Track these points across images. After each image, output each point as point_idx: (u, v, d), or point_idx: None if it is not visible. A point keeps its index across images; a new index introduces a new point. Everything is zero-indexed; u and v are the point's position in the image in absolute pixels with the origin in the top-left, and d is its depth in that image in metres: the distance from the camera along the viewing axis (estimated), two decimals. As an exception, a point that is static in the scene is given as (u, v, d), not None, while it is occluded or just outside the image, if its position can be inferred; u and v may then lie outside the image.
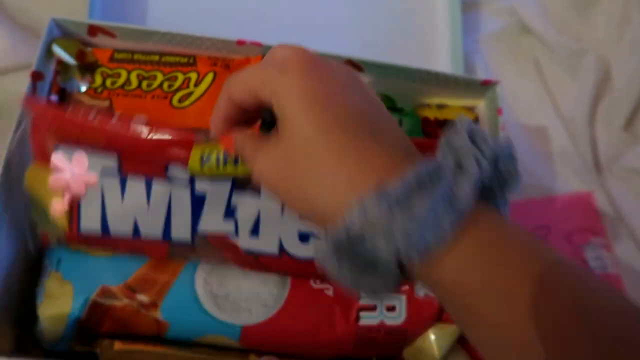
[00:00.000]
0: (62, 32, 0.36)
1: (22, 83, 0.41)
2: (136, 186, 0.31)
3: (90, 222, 0.31)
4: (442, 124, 0.39)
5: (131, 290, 0.33)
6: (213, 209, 0.31)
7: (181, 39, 0.36)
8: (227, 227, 0.31)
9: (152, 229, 0.31)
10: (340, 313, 0.33)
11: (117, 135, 0.30)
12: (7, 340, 0.34)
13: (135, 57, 0.37)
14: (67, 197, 0.31)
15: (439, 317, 0.34)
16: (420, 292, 0.34)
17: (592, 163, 0.47)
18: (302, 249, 0.31)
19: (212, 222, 0.31)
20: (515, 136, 0.47)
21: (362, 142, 0.21)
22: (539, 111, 0.48)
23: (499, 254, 0.19)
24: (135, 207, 0.31)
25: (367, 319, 0.33)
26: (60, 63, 0.36)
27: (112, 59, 0.37)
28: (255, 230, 0.31)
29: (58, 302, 0.33)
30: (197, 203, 0.31)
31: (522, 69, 0.49)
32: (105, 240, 0.31)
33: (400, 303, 0.33)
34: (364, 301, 0.33)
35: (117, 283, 0.32)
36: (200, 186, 0.31)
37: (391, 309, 0.33)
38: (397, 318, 0.33)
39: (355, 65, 0.37)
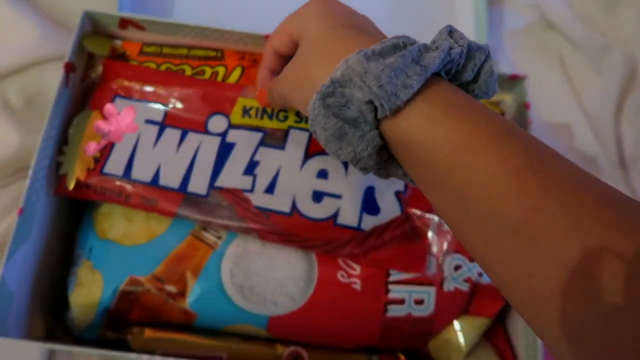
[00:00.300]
0: (93, 25, 0.37)
1: (52, 74, 0.42)
2: (171, 135, 0.33)
3: (115, 165, 0.33)
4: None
5: (159, 280, 0.33)
6: (236, 162, 0.33)
7: (209, 32, 0.36)
8: (244, 183, 0.33)
9: (171, 178, 0.33)
10: (367, 306, 0.33)
11: (174, 85, 0.35)
12: (39, 328, 0.35)
13: (164, 50, 0.37)
14: (103, 141, 0.34)
15: (466, 309, 0.34)
16: (450, 285, 0.33)
17: (617, 160, 0.46)
18: (314, 209, 0.32)
19: (231, 176, 0.33)
20: (539, 132, 0.47)
21: (355, 34, 0.25)
22: (563, 108, 0.48)
23: (460, 113, 0.21)
24: (163, 154, 0.33)
25: (395, 312, 0.33)
26: (92, 58, 0.37)
27: (141, 52, 0.37)
28: (270, 188, 0.32)
29: (89, 291, 0.33)
30: (223, 154, 0.33)
31: (547, 65, 0.49)
32: (122, 184, 0.33)
33: (429, 297, 0.33)
34: (391, 295, 0.33)
35: (145, 274, 0.33)
36: (232, 136, 0.33)
37: (420, 302, 0.33)
38: (425, 310, 0.33)
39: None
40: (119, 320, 0.33)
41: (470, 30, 0.48)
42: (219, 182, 0.32)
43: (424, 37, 0.25)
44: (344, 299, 0.33)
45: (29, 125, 0.41)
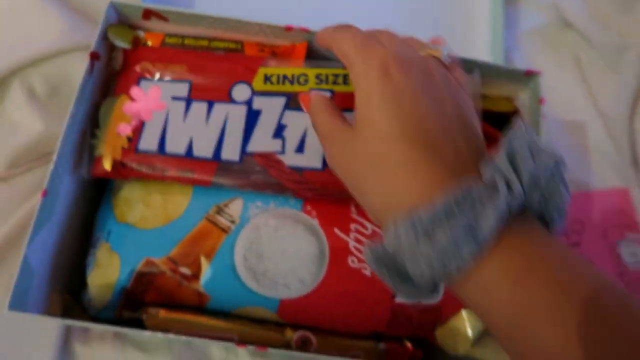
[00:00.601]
0: (118, 16, 0.38)
1: (77, 64, 0.43)
2: (199, 108, 0.35)
3: (149, 142, 0.34)
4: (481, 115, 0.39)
5: (174, 263, 0.34)
6: (264, 128, 0.34)
7: (231, 23, 0.37)
8: (275, 145, 0.34)
9: (204, 148, 0.34)
10: (377, 291, 0.33)
11: (195, 62, 0.36)
12: (57, 306, 0.36)
13: (186, 42, 0.38)
14: (134, 122, 0.35)
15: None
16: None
17: (629, 159, 0.46)
18: None
19: (261, 141, 0.34)
20: (552, 130, 0.47)
21: (417, 156, 0.23)
22: (577, 106, 0.48)
23: (529, 277, 0.20)
24: (194, 126, 0.35)
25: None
26: (114, 49, 0.38)
27: (163, 43, 0.39)
28: (300, 148, 0.34)
29: (106, 272, 0.34)
30: (251, 121, 0.34)
31: (562, 64, 0.49)
32: (157, 159, 0.34)
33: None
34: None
35: (161, 256, 0.34)
36: (257, 102, 0.35)
37: (427, 290, 0.34)
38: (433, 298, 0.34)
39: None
40: (135, 300, 0.34)
41: (486, 30, 0.48)
42: (250, 148, 0.34)
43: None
44: (354, 284, 0.33)
45: (53, 113, 0.43)
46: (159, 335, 0.31)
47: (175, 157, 0.34)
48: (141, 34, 0.39)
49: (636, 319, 0.20)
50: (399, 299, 0.34)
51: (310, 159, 0.34)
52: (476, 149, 0.24)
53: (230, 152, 0.34)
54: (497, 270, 0.21)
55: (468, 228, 0.20)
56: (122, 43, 0.38)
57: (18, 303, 0.31)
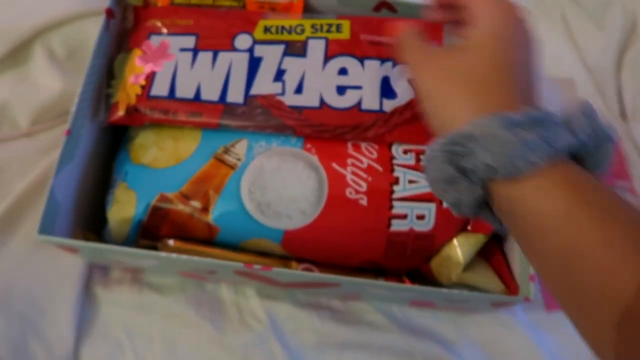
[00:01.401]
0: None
1: (93, 27, 0.46)
2: (205, 57, 0.38)
3: (160, 88, 0.38)
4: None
5: (185, 197, 0.37)
6: (265, 72, 0.38)
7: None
8: (276, 88, 0.38)
9: (211, 92, 0.37)
10: (373, 220, 0.36)
11: (201, 17, 0.40)
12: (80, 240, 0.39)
13: (192, 1, 0.42)
14: (146, 71, 0.38)
15: (464, 226, 0.37)
16: (447, 201, 0.36)
17: (618, 112, 0.48)
18: (339, 100, 0.37)
19: (263, 84, 0.38)
20: (543, 87, 0.49)
21: (510, 82, 0.27)
22: (565, 63, 0.50)
23: (575, 190, 0.23)
24: (201, 73, 0.38)
25: (398, 226, 0.36)
26: (126, 9, 0.41)
27: (171, 2, 0.42)
28: (299, 89, 0.37)
29: (124, 208, 0.37)
30: (253, 67, 0.38)
31: (549, 23, 0.51)
32: (168, 103, 0.37)
33: (430, 212, 0.36)
34: (395, 211, 0.36)
35: (173, 191, 0.37)
36: (258, 50, 0.38)
37: (421, 217, 0.36)
38: (425, 225, 0.36)
39: (390, 6, 0.40)
40: (151, 233, 0.37)
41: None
42: (253, 91, 0.37)
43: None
44: (352, 214, 0.36)
45: (71, 73, 0.46)
46: (173, 256, 0.34)
47: (184, 101, 0.37)
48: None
49: None
50: (394, 210, 0.36)
51: (309, 99, 0.37)
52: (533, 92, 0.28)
53: (235, 95, 0.37)
54: (561, 181, 0.23)
55: (547, 138, 0.23)
56: (134, 1, 0.41)
57: (47, 229, 0.34)
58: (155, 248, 0.37)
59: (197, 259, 0.33)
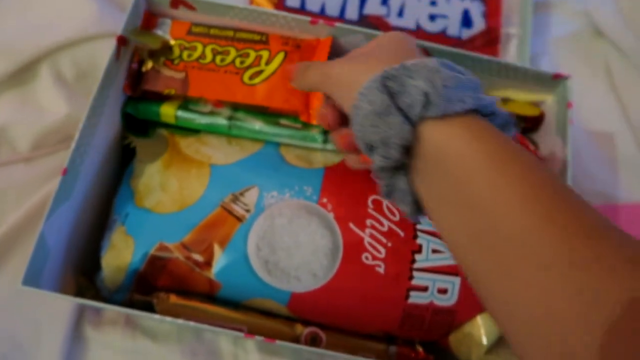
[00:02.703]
0: (147, 3, 0.39)
1: (105, 51, 0.44)
2: None
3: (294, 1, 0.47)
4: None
5: (187, 249, 0.34)
6: None
7: (257, 15, 0.38)
8: (382, 10, 0.49)
9: (333, 9, 0.48)
10: (390, 290, 0.33)
11: None
12: (70, 286, 0.36)
13: (212, 31, 0.39)
14: None
15: (490, 305, 0.34)
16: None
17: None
18: (430, 26, 0.49)
19: (373, 6, 0.49)
20: (580, 141, 0.46)
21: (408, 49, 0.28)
22: (607, 117, 0.47)
23: (498, 138, 0.23)
24: None
25: (417, 299, 0.33)
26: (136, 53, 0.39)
27: (189, 32, 0.39)
28: (400, 13, 0.49)
29: (121, 254, 0.34)
30: None
31: (592, 73, 0.48)
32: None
33: (453, 286, 0.33)
34: (415, 282, 0.33)
35: (174, 241, 0.34)
36: None
37: (443, 291, 0.33)
38: (447, 300, 0.33)
39: (426, 52, 0.37)
40: (147, 284, 0.34)
41: (514, 33, 0.48)
42: (365, 11, 0.49)
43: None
44: (366, 281, 0.33)
45: (79, 97, 0.44)
46: (168, 319, 0.31)
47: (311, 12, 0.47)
48: (168, 37, 0.39)
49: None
50: (414, 281, 0.33)
51: (408, 22, 0.49)
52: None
53: (352, 13, 0.48)
54: (486, 126, 0.23)
55: (475, 88, 0.24)
56: (151, 44, 0.38)
57: (32, 279, 0.31)
58: (150, 304, 0.34)
59: (192, 324, 0.30)
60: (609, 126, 0.46)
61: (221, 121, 0.36)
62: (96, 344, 0.39)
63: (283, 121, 0.36)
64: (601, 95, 0.47)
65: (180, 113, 0.37)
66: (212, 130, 0.37)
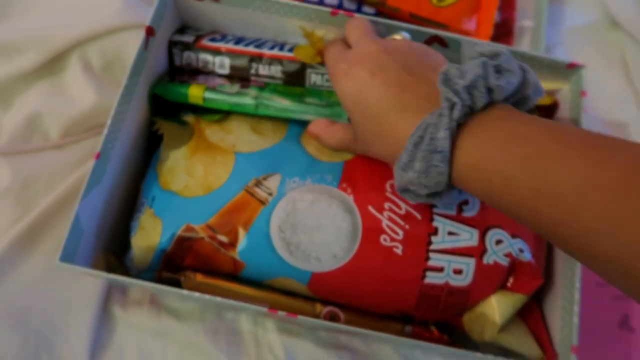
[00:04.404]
0: (173, -5, 0.40)
1: (133, 42, 0.45)
2: None
3: None
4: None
5: (212, 230, 0.35)
6: None
7: (279, 6, 0.39)
8: None
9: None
10: (407, 270, 0.34)
11: None
12: (101, 265, 0.38)
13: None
14: None
15: (504, 284, 0.35)
16: (490, 258, 0.34)
17: None
18: None
19: None
20: (594, 128, 0.46)
21: (396, 123, 0.29)
22: (621, 107, 0.47)
23: (496, 139, 0.26)
24: None
25: (433, 279, 0.34)
26: None
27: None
28: None
29: (149, 235, 0.36)
30: None
31: (607, 64, 0.48)
32: None
33: (468, 267, 0.34)
34: (431, 263, 0.34)
35: (200, 222, 0.35)
36: None
37: (458, 271, 0.34)
38: (462, 280, 0.34)
39: (442, 41, 0.38)
40: (174, 264, 0.36)
41: (529, 25, 0.48)
42: None
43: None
44: (384, 262, 0.34)
45: (107, 86, 0.45)
46: (196, 295, 0.32)
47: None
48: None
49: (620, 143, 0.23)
50: (430, 262, 0.35)
51: None
52: (422, 97, 0.30)
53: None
54: (463, 160, 0.27)
55: (431, 148, 0.27)
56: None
57: (68, 256, 0.33)
58: (177, 281, 0.35)
59: (219, 300, 0.32)
60: (624, 116, 0.47)
61: (248, 101, 0.38)
62: (123, 323, 0.41)
63: (309, 99, 0.38)
64: (616, 85, 0.48)
65: (207, 94, 0.38)
66: (239, 111, 0.38)
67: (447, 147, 0.26)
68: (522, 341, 0.35)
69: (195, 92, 0.38)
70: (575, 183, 0.22)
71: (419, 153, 0.27)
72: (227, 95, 0.38)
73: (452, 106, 0.27)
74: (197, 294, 0.32)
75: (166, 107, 0.40)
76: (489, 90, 0.27)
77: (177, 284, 0.35)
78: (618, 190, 0.21)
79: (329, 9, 0.38)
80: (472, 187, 0.27)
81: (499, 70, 0.27)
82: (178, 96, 0.39)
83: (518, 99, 0.29)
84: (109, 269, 0.38)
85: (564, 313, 0.33)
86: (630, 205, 0.21)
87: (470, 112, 0.27)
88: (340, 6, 0.48)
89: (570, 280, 0.33)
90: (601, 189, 0.21)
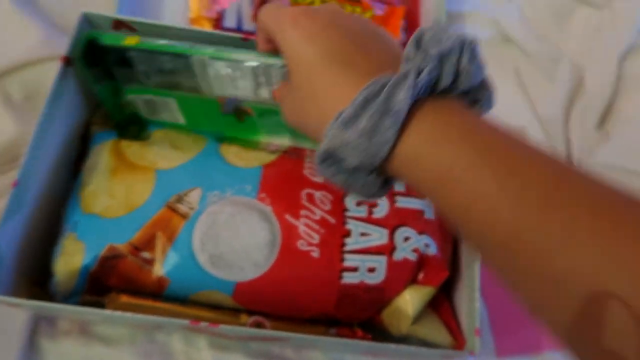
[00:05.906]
0: (90, 25, 0.41)
1: (52, 72, 0.46)
2: None
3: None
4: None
5: (136, 248, 0.36)
6: None
7: (196, 34, 0.41)
8: None
9: None
10: (325, 272, 0.36)
11: None
12: (23, 294, 0.38)
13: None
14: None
15: (414, 279, 0.37)
16: (400, 255, 0.37)
17: (566, 159, 0.50)
18: None
19: None
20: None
21: (336, 74, 0.26)
22: (518, 113, 0.52)
23: (445, 138, 0.23)
24: None
25: (349, 279, 0.36)
26: None
27: None
28: None
29: (72, 259, 0.36)
30: None
31: (503, 76, 0.53)
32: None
33: (380, 265, 0.36)
34: (346, 263, 0.36)
35: (123, 241, 0.36)
36: None
37: (372, 270, 0.36)
38: (376, 278, 0.36)
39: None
40: (99, 285, 0.36)
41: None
42: None
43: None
44: (303, 265, 0.36)
45: (27, 117, 0.46)
46: (117, 314, 0.33)
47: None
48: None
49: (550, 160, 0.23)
50: (345, 262, 0.36)
51: None
52: (392, 53, 0.27)
53: None
54: (416, 137, 0.23)
55: (384, 107, 0.23)
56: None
57: (-15, 284, 0.33)
58: (102, 304, 0.36)
59: (141, 317, 0.33)
60: (520, 121, 0.52)
61: (185, 45, 0.36)
62: (52, 354, 0.41)
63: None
64: (512, 94, 0.53)
65: (143, 39, 0.36)
66: (172, 51, 0.36)
67: (404, 109, 0.23)
68: (435, 331, 0.37)
69: (131, 40, 0.36)
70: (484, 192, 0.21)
71: (369, 110, 0.23)
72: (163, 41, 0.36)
73: (419, 71, 0.23)
74: (118, 313, 0.33)
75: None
76: (456, 74, 0.24)
77: (102, 307, 0.36)
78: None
79: (240, 36, 0.40)
80: (407, 175, 0.24)
81: (473, 56, 0.24)
82: (114, 39, 0.37)
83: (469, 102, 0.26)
84: (32, 297, 0.38)
85: (469, 301, 0.36)
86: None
87: (430, 92, 0.24)
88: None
89: (472, 269, 0.36)
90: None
